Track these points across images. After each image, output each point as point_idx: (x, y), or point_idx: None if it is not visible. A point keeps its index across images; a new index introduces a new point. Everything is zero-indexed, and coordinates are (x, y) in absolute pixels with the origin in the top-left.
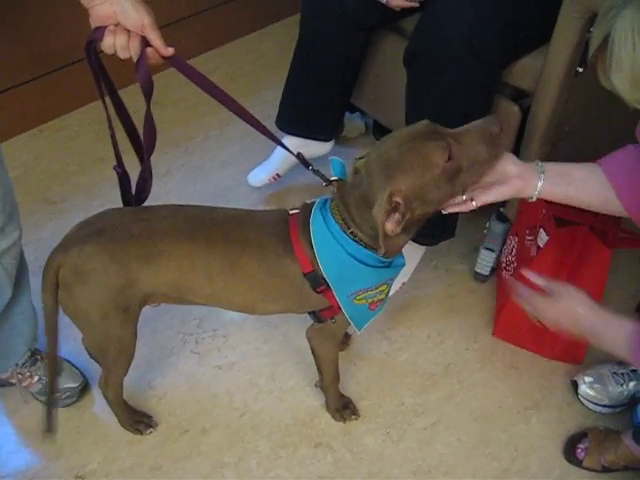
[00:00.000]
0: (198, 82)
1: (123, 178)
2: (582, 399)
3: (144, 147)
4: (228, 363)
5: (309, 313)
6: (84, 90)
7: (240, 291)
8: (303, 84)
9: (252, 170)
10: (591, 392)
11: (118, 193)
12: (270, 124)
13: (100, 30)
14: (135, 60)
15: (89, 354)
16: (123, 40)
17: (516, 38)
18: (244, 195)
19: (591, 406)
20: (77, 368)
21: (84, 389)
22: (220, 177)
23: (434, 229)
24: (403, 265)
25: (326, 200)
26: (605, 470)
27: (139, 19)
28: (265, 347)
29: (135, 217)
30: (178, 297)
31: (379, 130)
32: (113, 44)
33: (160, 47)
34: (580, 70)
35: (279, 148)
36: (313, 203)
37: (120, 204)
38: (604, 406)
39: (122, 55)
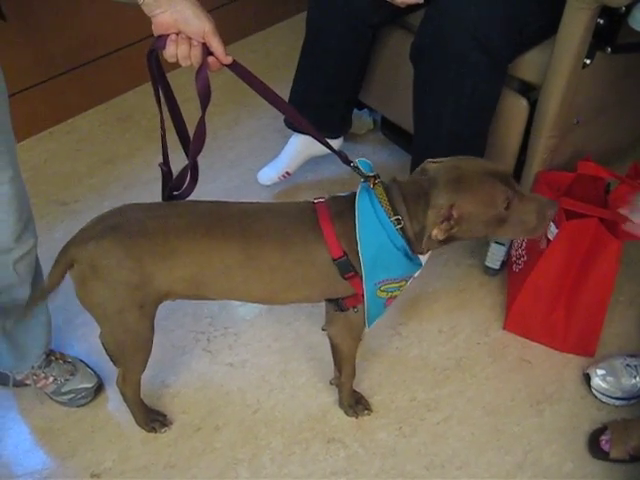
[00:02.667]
0: (257, 88)
1: (167, 176)
2: (595, 392)
3: (190, 152)
4: (240, 361)
5: (330, 301)
6: (93, 92)
7: (261, 283)
8: (310, 82)
9: (261, 169)
10: (604, 385)
11: (129, 193)
12: (279, 122)
13: (162, 39)
14: (196, 69)
15: (106, 352)
16: (185, 49)
17: (522, 31)
18: (254, 194)
19: (604, 399)
20: (91, 369)
21: (98, 389)
22: (229, 176)
23: None
24: (422, 265)
25: (368, 189)
26: (633, 459)
27: (200, 26)
28: (276, 344)
29: (151, 214)
30: (195, 294)
31: (387, 126)
32: (175, 53)
33: (221, 55)
34: (588, 62)
35: (288, 146)
36: (341, 195)
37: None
38: (617, 398)
39: (183, 63)
